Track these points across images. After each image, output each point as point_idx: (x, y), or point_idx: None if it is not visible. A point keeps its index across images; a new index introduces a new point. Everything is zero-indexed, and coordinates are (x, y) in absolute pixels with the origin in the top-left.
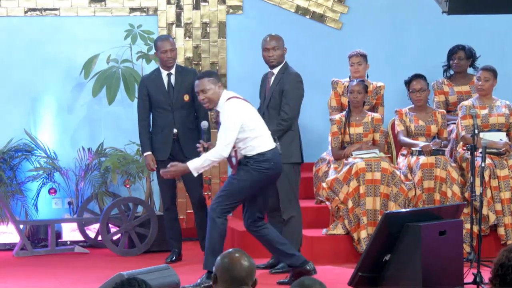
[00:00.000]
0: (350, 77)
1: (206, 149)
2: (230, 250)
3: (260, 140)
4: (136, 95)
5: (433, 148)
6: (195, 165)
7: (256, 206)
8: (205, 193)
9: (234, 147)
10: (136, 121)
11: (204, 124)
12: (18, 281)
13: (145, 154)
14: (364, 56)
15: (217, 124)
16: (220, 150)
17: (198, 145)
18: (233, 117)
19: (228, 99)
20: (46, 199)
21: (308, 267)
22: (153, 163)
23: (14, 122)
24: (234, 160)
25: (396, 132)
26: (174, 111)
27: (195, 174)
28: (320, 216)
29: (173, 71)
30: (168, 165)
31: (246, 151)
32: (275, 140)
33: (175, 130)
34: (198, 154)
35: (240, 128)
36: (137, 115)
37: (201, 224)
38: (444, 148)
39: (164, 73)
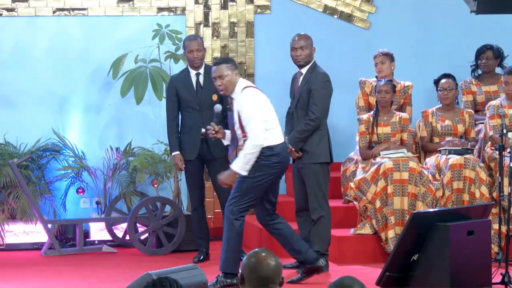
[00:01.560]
0: (377, 77)
1: (216, 132)
2: (256, 249)
3: (271, 133)
4: (164, 95)
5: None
6: (238, 166)
7: (266, 200)
8: None
9: (244, 136)
10: (164, 120)
11: (217, 107)
12: (46, 281)
13: (173, 153)
14: (387, 55)
15: (230, 111)
16: (253, 141)
17: (208, 127)
18: (254, 105)
19: (245, 87)
20: (74, 198)
21: (320, 264)
22: (181, 162)
23: (42, 121)
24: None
25: (419, 137)
26: (203, 110)
27: (244, 173)
28: (347, 216)
29: (201, 70)
30: (218, 179)
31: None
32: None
33: (203, 130)
34: (226, 154)
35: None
36: (166, 115)
37: None
38: (472, 148)
39: (192, 72)
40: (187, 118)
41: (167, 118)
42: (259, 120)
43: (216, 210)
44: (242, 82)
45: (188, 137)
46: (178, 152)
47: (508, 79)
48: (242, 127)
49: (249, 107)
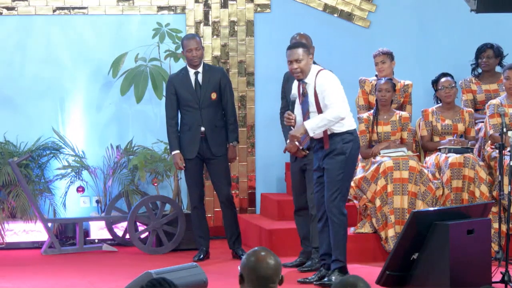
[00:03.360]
0: (377, 75)
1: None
2: (256, 248)
3: (348, 117)
4: (164, 93)
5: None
6: (311, 125)
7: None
8: (233, 192)
9: None
10: (164, 119)
11: (293, 96)
12: (46, 279)
13: (173, 152)
14: (387, 54)
15: (304, 96)
16: (337, 110)
17: (286, 115)
18: (336, 82)
19: (320, 70)
20: (74, 197)
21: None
22: (181, 161)
23: (42, 120)
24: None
25: (419, 136)
26: (202, 109)
27: (311, 134)
28: (348, 214)
29: (200, 69)
30: (289, 134)
31: (335, 127)
32: None
33: (202, 128)
34: (225, 152)
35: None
36: (165, 114)
37: (229, 223)
38: (472, 147)
39: (191, 71)
40: (186, 116)
41: (166, 117)
42: (343, 95)
43: (216, 209)
44: (315, 66)
45: (187, 135)
46: (178, 151)
47: (509, 73)
48: (319, 109)
49: (333, 83)
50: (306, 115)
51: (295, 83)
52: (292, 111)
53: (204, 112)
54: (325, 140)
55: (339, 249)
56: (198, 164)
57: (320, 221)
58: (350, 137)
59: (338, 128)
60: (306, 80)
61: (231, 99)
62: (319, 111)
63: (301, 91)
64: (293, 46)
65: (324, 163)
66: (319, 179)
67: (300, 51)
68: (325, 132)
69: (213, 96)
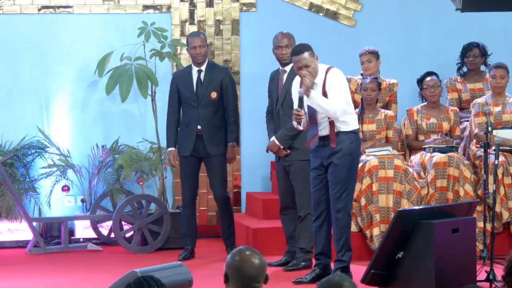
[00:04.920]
0: (362, 74)
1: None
2: (240, 248)
3: (353, 117)
4: (150, 92)
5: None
6: (315, 96)
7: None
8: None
9: (329, 118)
10: (149, 118)
11: (300, 92)
12: (31, 278)
13: (168, 149)
14: (374, 53)
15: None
16: (340, 107)
17: (296, 112)
18: (345, 83)
19: (329, 68)
20: (59, 196)
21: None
22: (173, 159)
23: (27, 119)
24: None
25: (404, 135)
26: (200, 108)
27: (309, 102)
28: None
29: (203, 67)
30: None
31: (341, 126)
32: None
33: (199, 127)
34: (222, 152)
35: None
36: (167, 110)
37: (222, 222)
38: (457, 146)
39: (194, 69)
40: (185, 114)
41: (167, 114)
42: (347, 96)
43: (202, 208)
44: (322, 65)
45: (184, 133)
46: (173, 148)
47: (496, 72)
48: None
49: (342, 83)
50: (313, 114)
51: (296, 81)
52: (301, 107)
53: (202, 110)
54: (331, 138)
55: (344, 249)
56: (193, 162)
57: (317, 221)
58: (355, 137)
59: (345, 127)
60: (315, 81)
61: (233, 99)
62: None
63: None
64: (298, 51)
65: (330, 162)
66: (318, 177)
67: (306, 55)
68: (332, 130)
69: (213, 95)
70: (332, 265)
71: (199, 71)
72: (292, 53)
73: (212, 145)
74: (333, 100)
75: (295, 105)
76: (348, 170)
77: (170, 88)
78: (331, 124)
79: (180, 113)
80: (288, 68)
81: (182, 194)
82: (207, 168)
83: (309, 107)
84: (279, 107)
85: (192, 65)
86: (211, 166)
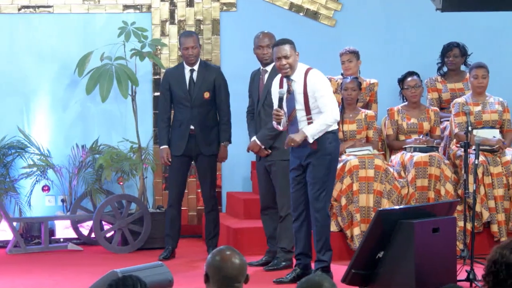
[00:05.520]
0: (342, 74)
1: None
2: (221, 248)
3: None
4: (130, 92)
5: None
6: (312, 131)
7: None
8: (198, 190)
9: (309, 118)
10: (130, 118)
11: (282, 91)
12: (11, 279)
13: (161, 147)
14: (354, 53)
15: (290, 93)
16: (334, 114)
17: (275, 111)
18: (328, 84)
19: (309, 68)
20: (39, 196)
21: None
22: (167, 156)
23: (7, 119)
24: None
25: (385, 134)
26: (193, 107)
27: (311, 140)
28: None
29: (196, 67)
30: (287, 139)
31: None
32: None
33: (192, 127)
34: (214, 152)
35: None
36: (158, 109)
37: (208, 222)
38: (437, 146)
39: (187, 68)
40: (178, 113)
41: (158, 112)
42: (334, 98)
43: (183, 208)
44: (302, 64)
45: (177, 132)
46: (166, 146)
47: (478, 72)
48: (308, 108)
49: (326, 84)
50: (292, 113)
51: (276, 80)
52: (280, 107)
53: (195, 110)
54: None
55: (324, 249)
56: (184, 162)
57: (297, 221)
58: (334, 137)
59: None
60: (292, 78)
61: (226, 99)
62: (307, 109)
63: (285, 88)
64: (279, 42)
65: (308, 162)
66: (297, 178)
67: (287, 47)
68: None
69: (206, 95)
70: (313, 265)
71: (192, 71)
72: (273, 44)
73: (206, 145)
74: (325, 108)
75: (275, 105)
76: (326, 170)
77: (162, 86)
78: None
79: (171, 111)
80: (269, 68)
81: (168, 193)
82: (197, 168)
83: (288, 105)
84: (260, 107)
85: (185, 64)
86: (202, 165)
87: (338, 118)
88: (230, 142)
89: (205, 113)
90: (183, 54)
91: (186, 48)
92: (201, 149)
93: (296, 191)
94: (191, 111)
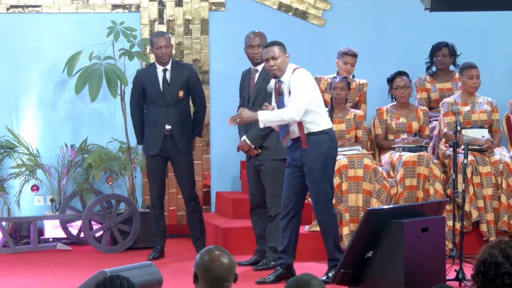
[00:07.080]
0: (338, 72)
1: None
2: (210, 247)
3: (323, 117)
4: (119, 92)
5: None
6: (264, 117)
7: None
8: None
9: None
10: (118, 117)
11: (270, 87)
12: (0, 278)
13: (140, 145)
14: (356, 56)
15: (279, 95)
16: (293, 112)
17: (265, 107)
18: (306, 84)
19: (296, 68)
20: (28, 196)
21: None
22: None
23: None
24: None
25: (374, 134)
26: (168, 107)
27: (261, 125)
28: (303, 212)
29: (168, 66)
30: (238, 111)
31: (310, 126)
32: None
33: (167, 126)
34: (190, 151)
35: (310, 98)
36: (130, 108)
37: (192, 222)
38: (426, 145)
39: (159, 68)
40: (152, 113)
41: (131, 111)
42: (307, 100)
43: (171, 208)
44: (291, 65)
45: (152, 132)
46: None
47: (473, 72)
48: None
49: (302, 85)
50: None
51: (273, 82)
52: (270, 102)
53: (170, 109)
54: (302, 139)
55: (336, 249)
56: (160, 162)
57: (284, 219)
58: (326, 137)
59: (315, 128)
60: (282, 79)
61: (201, 96)
62: None
63: (276, 89)
64: (269, 44)
65: (303, 164)
66: (291, 175)
67: (276, 48)
68: (301, 132)
69: (181, 94)
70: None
71: (165, 70)
72: (264, 46)
73: (184, 144)
74: (290, 104)
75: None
76: (322, 171)
77: (134, 87)
78: (299, 125)
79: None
80: (259, 68)
81: (150, 194)
82: (174, 168)
83: (278, 106)
84: (250, 107)
85: (156, 64)
86: (179, 165)
87: (297, 119)
88: (200, 137)
89: (180, 112)
90: (156, 54)
91: (159, 47)
92: (179, 148)
93: (288, 189)
94: (167, 110)
